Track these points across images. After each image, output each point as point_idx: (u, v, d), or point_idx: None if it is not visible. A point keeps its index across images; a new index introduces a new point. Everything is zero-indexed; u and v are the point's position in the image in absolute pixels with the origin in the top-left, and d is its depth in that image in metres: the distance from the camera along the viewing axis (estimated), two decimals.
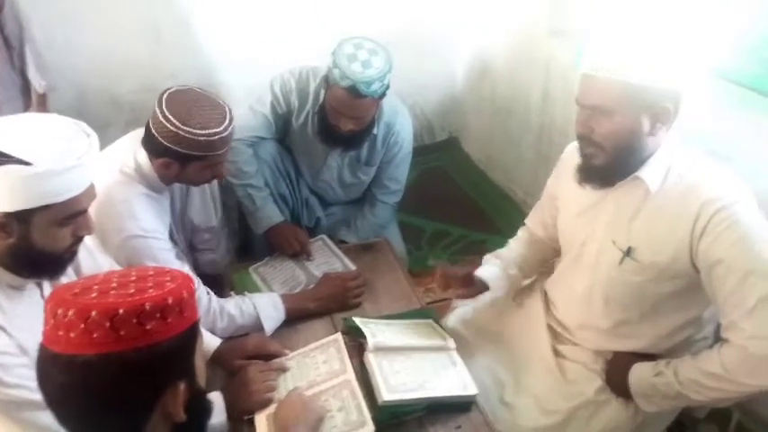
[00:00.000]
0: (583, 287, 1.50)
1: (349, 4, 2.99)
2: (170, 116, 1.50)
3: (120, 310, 0.78)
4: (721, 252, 1.22)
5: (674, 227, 1.28)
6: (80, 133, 1.14)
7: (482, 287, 1.68)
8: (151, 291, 0.82)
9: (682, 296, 1.38)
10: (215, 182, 1.96)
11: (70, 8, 2.59)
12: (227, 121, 1.56)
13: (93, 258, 1.38)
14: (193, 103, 1.54)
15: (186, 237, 1.95)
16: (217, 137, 1.53)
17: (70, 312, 0.77)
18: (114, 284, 0.82)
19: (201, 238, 2.00)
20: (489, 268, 1.71)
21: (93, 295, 0.80)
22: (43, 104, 2.38)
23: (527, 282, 1.82)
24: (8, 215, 1.07)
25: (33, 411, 1.08)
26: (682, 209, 1.27)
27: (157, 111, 1.51)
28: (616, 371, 1.46)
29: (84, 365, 0.77)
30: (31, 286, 1.21)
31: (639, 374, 1.40)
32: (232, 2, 2.82)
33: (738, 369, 1.22)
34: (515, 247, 1.78)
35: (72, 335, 0.77)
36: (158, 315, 0.80)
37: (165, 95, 1.53)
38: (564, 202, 1.58)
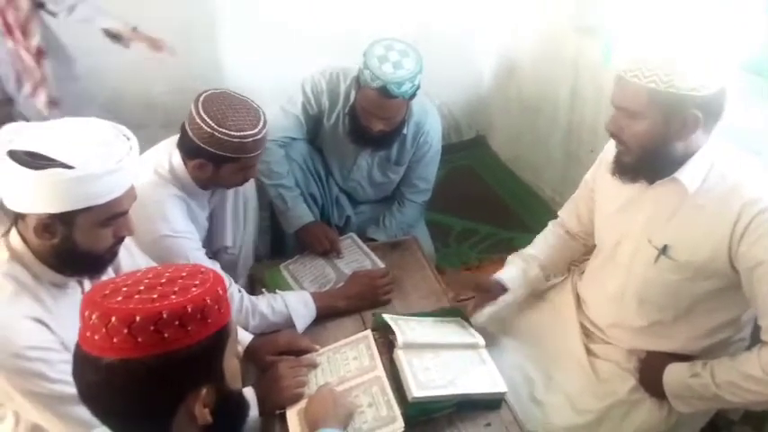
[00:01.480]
0: (615, 286, 1.50)
1: (376, 4, 3.00)
2: (206, 118, 1.52)
3: (137, 318, 0.79)
4: (763, 254, 1.20)
5: (714, 226, 1.27)
6: (120, 136, 1.17)
7: (501, 289, 1.68)
8: (173, 297, 0.82)
9: (719, 297, 1.36)
10: (251, 201, 1.99)
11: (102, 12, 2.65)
12: (261, 124, 1.58)
13: (132, 258, 1.41)
14: (229, 105, 1.56)
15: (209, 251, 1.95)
16: (251, 139, 1.56)
17: (94, 316, 0.80)
18: (142, 287, 0.83)
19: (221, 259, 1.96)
20: (509, 270, 1.72)
21: (119, 299, 0.81)
22: None
23: (557, 280, 1.81)
24: (52, 216, 1.10)
25: (75, 406, 1.11)
26: (723, 209, 1.25)
27: (194, 112, 1.55)
28: (650, 371, 1.45)
29: (108, 367, 0.80)
30: (73, 284, 1.25)
31: (675, 375, 1.39)
32: (261, 3, 2.86)
33: None
34: (540, 245, 1.77)
35: (96, 337, 0.80)
36: (177, 323, 0.81)
37: (201, 97, 1.56)
38: (602, 199, 1.56)
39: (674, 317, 1.42)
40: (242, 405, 1.02)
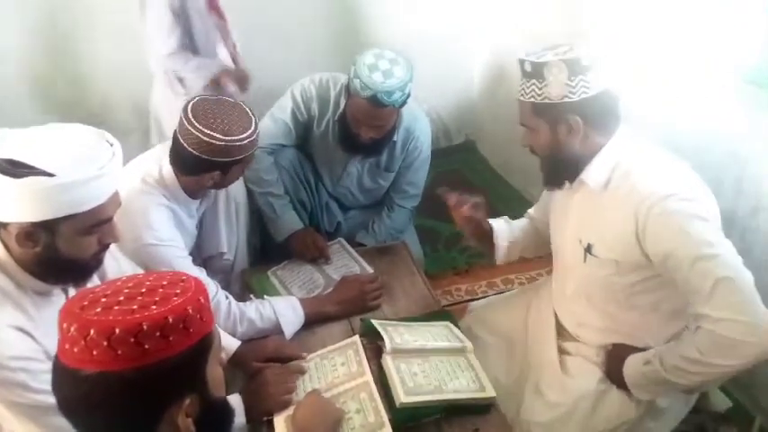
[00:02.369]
0: (570, 288, 1.56)
1: (366, 9, 3.01)
2: (213, 133, 1.52)
3: (117, 330, 0.77)
4: (667, 246, 1.27)
5: (621, 225, 1.34)
6: (103, 142, 1.16)
7: (487, 229, 1.73)
8: (153, 308, 0.80)
9: (654, 288, 1.40)
10: (242, 206, 1.99)
11: (90, 17, 2.64)
12: (252, 117, 1.62)
13: (117, 264, 1.40)
14: (221, 113, 1.57)
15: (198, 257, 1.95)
16: (255, 134, 1.60)
17: (72, 328, 0.78)
18: (122, 297, 0.82)
19: (215, 266, 1.97)
20: (498, 220, 1.79)
21: (97, 310, 0.79)
22: None
23: (539, 281, 1.83)
24: (34, 225, 1.09)
25: (57, 416, 1.09)
26: (625, 206, 1.32)
27: (195, 132, 1.53)
28: (614, 362, 1.49)
29: (87, 380, 0.78)
30: (57, 292, 1.23)
31: (632, 365, 1.43)
32: (249, 12, 2.85)
33: (711, 352, 1.25)
34: (522, 222, 1.84)
35: (75, 350, 0.78)
36: (158, 334, 0.79)
37: (191, 116, 1.54)
38: (552, 206, 1.64)
39: (617, 309, 1.47)
40: (226, 413, 1.01)
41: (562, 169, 1.45)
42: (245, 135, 1.57)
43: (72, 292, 1.26)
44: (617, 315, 1.48)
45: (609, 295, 1.46)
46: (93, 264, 1.22)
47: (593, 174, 1.40)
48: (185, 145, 1.56)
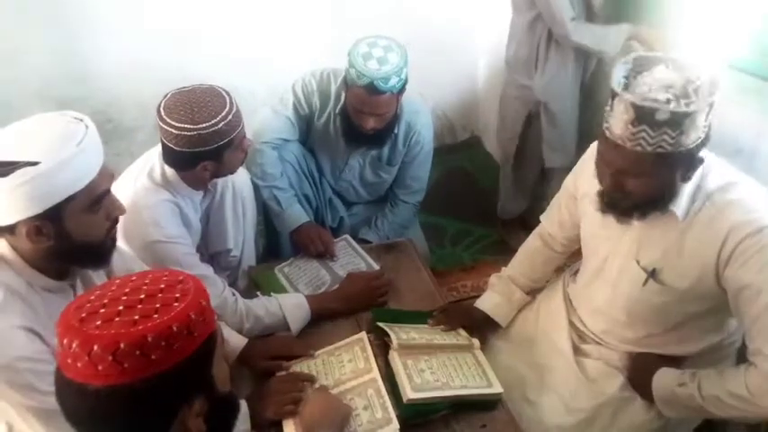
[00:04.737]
0: (604, 299, 1.50)
1: (368, 5, 3.00)
2: (182, 125, 1.51)
3: (122, 344, 0.76)
4: (750, 277, 1.20)
5: (701, 250, 1.27)
6: (71, 120, 1.15)
7: (487, 320, 1.72)
8: (155, 316, 0.79)
9: (708, 315, 1.37)
10: (249, 203, 1.98)
11: (96, 16, 2.65)
12: (227, 97, 1.58)
13: (124, 263, 1.40)
14: (191, 102, 1.54)
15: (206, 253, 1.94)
16: (230, 116, 1.55)
17: (74, 344, 0.77)
18: (121, 307, 0.80)
19: (222, 262, 1.97)
20: (492, 298, 1.74)
21: (98, 323, 0.78)
22: None
23: (550, 281, 1.82)
24: (39, 218, 1.09)
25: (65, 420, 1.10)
26: (710, 232, 1.25)
27: (166, 128, 1.53)
28: (640, 372, 1.46)
29: (95, 394, 0.77)
30: (65, 288, 1.24)
31: (663, 381, 1.39)
32: (254, 7, 2.86)
33: (763, 394, 1.21)
34: (520, 265, 1.78)
35: (79, 365, 0.77)
36: (163, 344, 0.78)
37: (162, 113, 1.53)
38: (587, 209, 1.51)
39: (663, 331, 1.44)
40: (233, 406, 1.01)
41: (655, 206, 1.28)
42: (216, 119, 1.53)
43: (80, 288, 1.27)
44: (655, 333, 1.45)
45: (657, 319, 1.41)
46: (108, 243, 1.23)
47: (680, 202, 1.27)
48: (166, 143, 1.57)
